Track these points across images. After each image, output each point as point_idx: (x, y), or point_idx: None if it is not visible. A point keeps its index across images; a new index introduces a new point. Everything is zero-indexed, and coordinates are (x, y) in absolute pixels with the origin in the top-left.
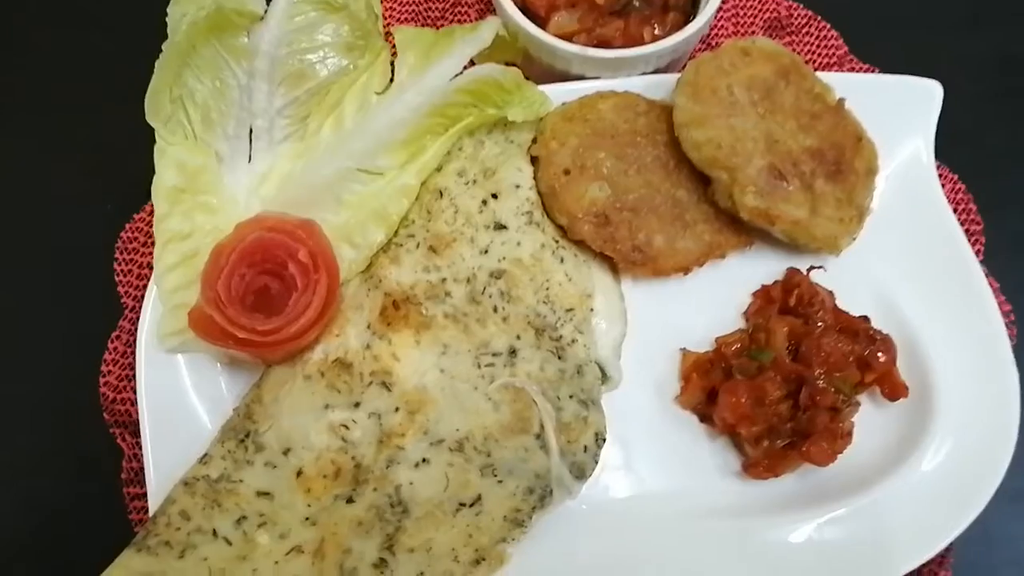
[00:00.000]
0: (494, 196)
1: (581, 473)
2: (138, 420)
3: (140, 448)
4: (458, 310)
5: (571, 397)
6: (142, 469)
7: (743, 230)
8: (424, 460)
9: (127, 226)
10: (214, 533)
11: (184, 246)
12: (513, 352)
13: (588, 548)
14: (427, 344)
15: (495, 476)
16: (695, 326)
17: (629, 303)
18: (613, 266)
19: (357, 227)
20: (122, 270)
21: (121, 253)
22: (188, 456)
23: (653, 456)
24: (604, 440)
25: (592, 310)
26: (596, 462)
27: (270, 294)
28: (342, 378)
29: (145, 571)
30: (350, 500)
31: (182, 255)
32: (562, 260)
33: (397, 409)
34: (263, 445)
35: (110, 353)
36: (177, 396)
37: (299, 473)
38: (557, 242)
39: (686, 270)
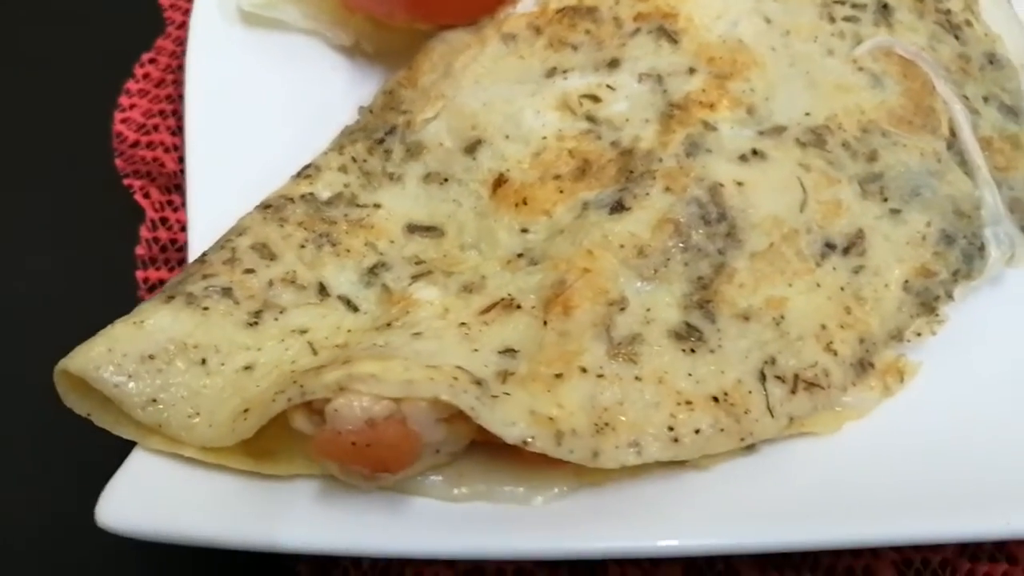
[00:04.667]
0: None
1: None
2: (170, 170)
3: (170, 207)
4: None
5: (986, 100)
6: (172, 242)
7: None
8: (755, 152)
9: None
10: (322, 290)
11: None
12: (885, 7)
13: None
14: None
15: (884, 199)
16: None
17: None
18: None
19: None
20: None
21: None
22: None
23: None
24: None
25: None
26: None
27: None
28: (580, 28)
29: (175, 337)
30: (617, 208)
31: None
32: None
33: (692, 71)
34: (421, 145)
35: (136, 81)
36: (255, 99)
37: (499, 182)
38: None
39: None
